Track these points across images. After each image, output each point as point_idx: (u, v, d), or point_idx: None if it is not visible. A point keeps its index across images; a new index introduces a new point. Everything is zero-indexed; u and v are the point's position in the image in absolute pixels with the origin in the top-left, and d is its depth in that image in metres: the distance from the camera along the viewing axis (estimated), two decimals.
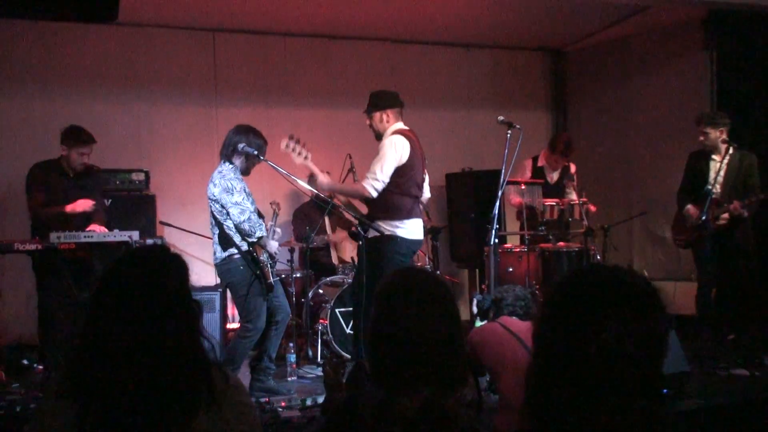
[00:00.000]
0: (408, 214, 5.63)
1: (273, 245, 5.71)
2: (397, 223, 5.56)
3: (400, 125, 5.76)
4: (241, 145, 5.50)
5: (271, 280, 5.59)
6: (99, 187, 6.62)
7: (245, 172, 5.67)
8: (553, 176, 7.81)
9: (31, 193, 6.23)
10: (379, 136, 5.77)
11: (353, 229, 5.46)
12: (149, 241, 6.17)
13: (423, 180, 5.88)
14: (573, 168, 7.90)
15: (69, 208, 5.99)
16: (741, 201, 6.44)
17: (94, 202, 5.97)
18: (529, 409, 1.72)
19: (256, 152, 5.49)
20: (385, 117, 5.73)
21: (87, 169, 6.42)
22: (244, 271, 5.51)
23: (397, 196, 5.58)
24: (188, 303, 2.11)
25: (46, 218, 6.14)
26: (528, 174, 7.76)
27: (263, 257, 5.57)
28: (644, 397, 1.61)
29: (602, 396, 1.59)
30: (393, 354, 2.17)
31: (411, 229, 5.65)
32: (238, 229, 5.45)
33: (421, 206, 5.93)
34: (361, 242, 5.40)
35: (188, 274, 2.18)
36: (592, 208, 7.24)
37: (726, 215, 6.51)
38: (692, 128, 6.84)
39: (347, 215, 6.01)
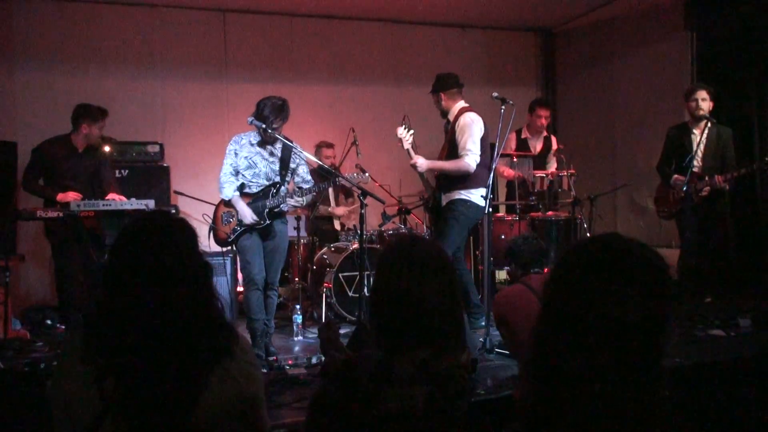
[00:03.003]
0: (483, 183, 5.78)
1: (245, 214, 5.33)
2: (473, 191, 5.84)
3: (463, 103, 6.00)
4: (249, 119, 5.34)
5: (229, 237, 5.44)
6: (106, 160, 6.53)
7: (266, 140, 5.43)
8: (537, 147, 7.71)
9: (28, 170, 6.13)
10: (444, 114, 6.06)
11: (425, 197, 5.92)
12: (165, 209, 6.07)
13: None
14: (554, 141, 7.80)
15: (60, 197, 5.91)
16: (722, 175, 6.33)
17: (81, 196, 5.85)
18: (528, 372, 1.62)
19: (263, 126, 5.30)
20: (446, 96, 6.01)
21: (96, 143, 6.36)
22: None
23: (477, 168, 5.79)
24: (199, 264, 2.03)
25: (35, 195, 6.12)
26: (513, 146, 7.66)
27: (222, 214, 5.47)
28: (643, 374, 1.51)
29: (601, 366, 1.49)
30: (393, 318, 2.10)
31: (482, 196, 5.81)
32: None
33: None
34: (428, 213, 5.82)
35: (196, 236, 2.10)
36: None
37: (707, 188, 6.41)
38: (673, 103, 6.72)
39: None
